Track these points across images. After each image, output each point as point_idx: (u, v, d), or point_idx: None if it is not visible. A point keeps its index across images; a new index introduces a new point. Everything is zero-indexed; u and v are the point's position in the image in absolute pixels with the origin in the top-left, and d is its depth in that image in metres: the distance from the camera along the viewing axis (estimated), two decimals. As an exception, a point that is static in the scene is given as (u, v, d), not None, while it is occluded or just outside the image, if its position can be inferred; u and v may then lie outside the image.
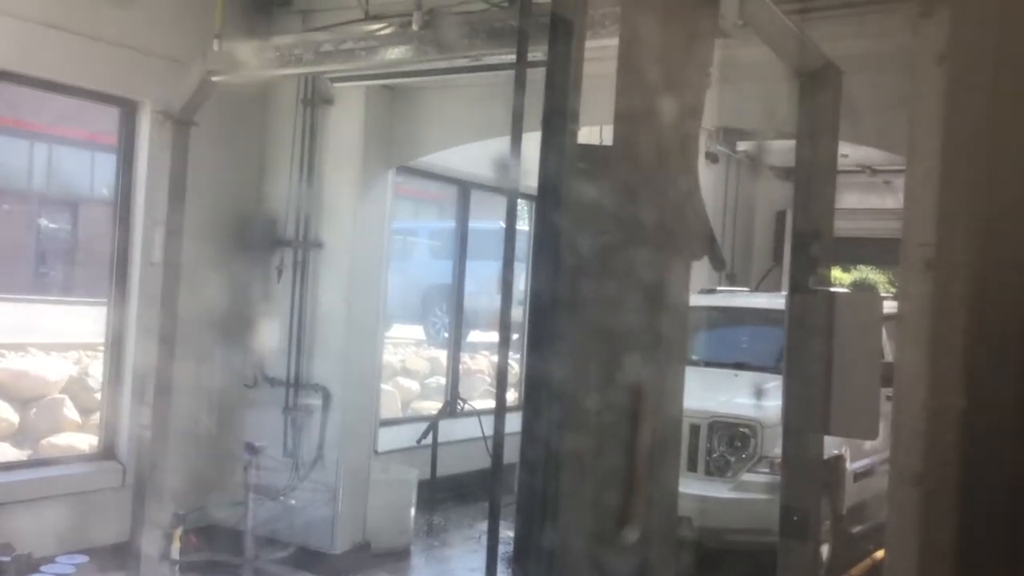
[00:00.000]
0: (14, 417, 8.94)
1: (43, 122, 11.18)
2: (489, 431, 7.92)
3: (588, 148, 2.42)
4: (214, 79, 6.07)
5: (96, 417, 7.86)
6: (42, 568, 6.12)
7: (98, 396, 7.81)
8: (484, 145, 7.57)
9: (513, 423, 2.76)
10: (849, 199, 11.33)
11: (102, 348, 7.49)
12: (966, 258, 1.04)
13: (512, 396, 9.66)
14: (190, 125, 6.27)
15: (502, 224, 3.33)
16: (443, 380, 10.85)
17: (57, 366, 9.59)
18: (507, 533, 2.84)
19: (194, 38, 6.52)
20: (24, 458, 8.26)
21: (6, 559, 5.94)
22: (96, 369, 8.59)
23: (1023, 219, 0.98)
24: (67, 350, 9.90)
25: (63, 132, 11.60)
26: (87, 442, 8.22)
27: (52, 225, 13.14)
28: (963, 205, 1.09)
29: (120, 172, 7.20)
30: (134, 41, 6.76)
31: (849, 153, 10.15)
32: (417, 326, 12.98)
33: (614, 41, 2.51)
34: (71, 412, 9.18)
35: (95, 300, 7.81)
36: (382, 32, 5.59)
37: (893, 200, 10.64)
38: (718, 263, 2.89)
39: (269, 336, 7.87)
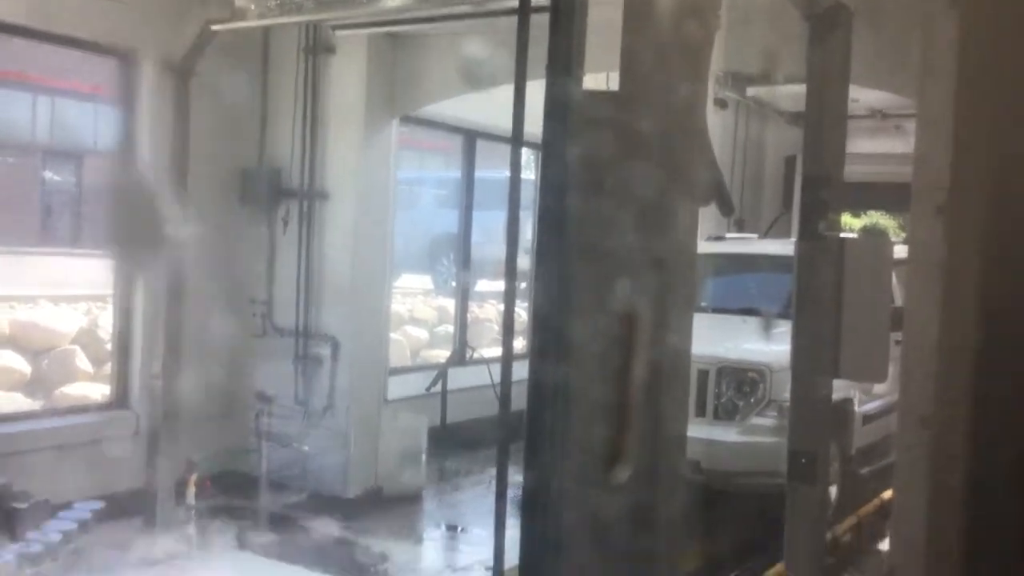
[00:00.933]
0: (27, 368, 9.03)
1: (46, 75, 11.11)
2: (498, 378, 7.96)
3: (594, 94, 2.39)
4: (214, 28, 6.02)
5: (108, 367, 7.93)
6: (59, 514, 6.23)
7: (109, 347, 7.86)
8: (490, 93, 7.49)
9: (521, 371, 2.77)
10: (859, 144, 11.21)
11: (111, 299, 7.53)
12: (977, 201, 1.03)
13: (520, 344, 9.70)
14: (191, 75, 6.23)
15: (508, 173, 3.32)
16: (451, 329, 10.88)
17: (67, 317, 9.65)
18: (517, 478, 2.87)
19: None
20: (38, 408, 8.36)
21: (24, 506, 6.04)
22: (106, 320, 8.64)
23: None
24: (77, 301, 9.95)
25: (66, 84, 11.53)
26: (100, 392, 8.30)
27: (57, 177, 13.13)
28: (973, 149, 1.08)
29: (123, 124, 7.15)
30: (133, -10, 6.67)
31: (859, 98, 10.02)
32: (425, 275, 12.99)
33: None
34: (83, 362, 9.26)
35: (102, 252, 7.82)
36: (384, -22, 5.51)
37: (903, 145, 10.53)
38: (726, 208, 2.87)
39: (277, 286, 7.89)
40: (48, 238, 12.61)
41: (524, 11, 2.66)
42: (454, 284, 10.96)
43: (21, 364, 9.01)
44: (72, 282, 10.20)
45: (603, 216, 2.40)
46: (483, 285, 11.47)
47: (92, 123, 12.23)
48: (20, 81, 10.87)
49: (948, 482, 1.05)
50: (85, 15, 6.51)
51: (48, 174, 12.97)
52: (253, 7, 6.05)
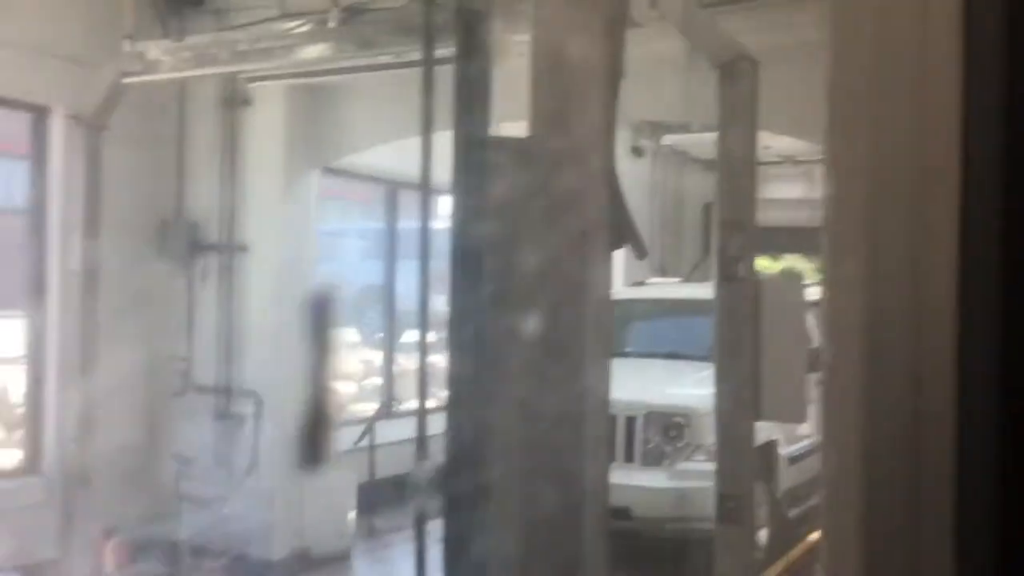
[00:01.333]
0: (-70, 436, 8.61)
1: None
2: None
3: (501, 141, 2.40)
4: (126, 81, 5.92)
5: (19, 433, 7.62)
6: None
7: (20, 411, 7.56)
8: (412, 143, 7.49)
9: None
10: (773, 190, 11.52)
11: (22, 361, 7.26)
12: (863, 249, 1.05)
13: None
14: (103, 129, 6.11)
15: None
16: (379, 381, 10.75)
17: (-25, 382, 9.26)
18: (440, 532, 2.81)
19: (105, 40, 6.35)
20: (-56, 478, 7.96)
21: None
22: (17, 383, 8.32)
23: (904, 214, 0.99)
24: (-16, 365, 9.56)
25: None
26: (11, 458, 7.95)
27: (-33, 236, 12.66)
28: (859, 189, 1.10)
29: (33, 179, 6.98)
30: (44, 45, 6.55)
31: (771, 145, 10.31)
32: (351, 328, 12.83)
33: (526, 36, 2.49)
34: (-8, 429, 8.87)
35: (12, 312, 7.55)
36: (299, 30, 5.51)
37: (814, 189, 10.85)
38: (639, 251, 2.89)
39: (196, 342, 7.71)
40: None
41: (428, 62, 2.67)
42: (380, 336, 10.86)
43: (-75, 431, 8.59)
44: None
45: (515, 262, 2.40)
46: (409, 336, 11.37)
47: (3, 180, 11.89)
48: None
49: (873, 521, 1.05)
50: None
51: (-42, 233, 12.55)
52: (167, 59, 5.98)
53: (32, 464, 7.04)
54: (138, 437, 7.37)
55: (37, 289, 6.97)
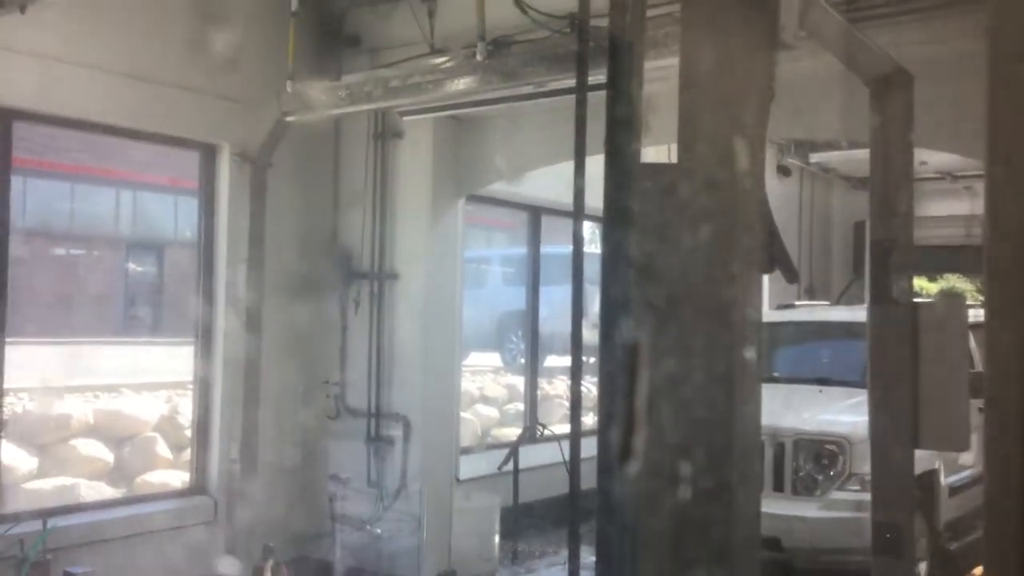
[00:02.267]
0: (109, 456, 9.23)
1: (128, 169, 11.60)
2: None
3: (652, 167, 2.42)
4: (288, 119, 6.25)
5: (187, 453, 8.07)
6: (140, 602, 6.28)
7: (188, 433, 8.01)
8: (554, 170, 7.60)
9: (592, 448, 2.75)
10: (930, 207, 11.03)
11: (191, 386, 7.70)
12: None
13: (590, 420, 9.61)
14: (267, 166, 6.45)
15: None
16: (521, 406, 10.84)
17: (148, 405, 9.88)
18: (590, 558, 2.83)
19: (268, 81, 6.72)
20: (120, 496, 8.51)
21: (106, 594, 6.12)
22: (186, 407, 8.83)
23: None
24: (157, 389, 10.19)
25: (147, 178, 12.02)
26: (179, 478, 8.42)
27: (139, 268, 13.59)
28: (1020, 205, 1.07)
29: (202, 214, 7.42)
30: (211, 86, 6.98)
31: (928, 160, 9.90)
32: (493, 353, 13.01)
33: (675, 60, 2.51)
34: (163, 449, 9.44)
35: (182, 340, 8.03)
36: (447, 65, 5.69)
37: (975, 206, 10.34)
38: (790, 275, 2.85)
39: (349, 368, 7.99)
40: (130, 328, 13.00)
41: (581, 89, 2.72)
42: (523, 361, 10.96)
43: (104, 452, 9.22)
44: (153, 370, 10.47)
45: (666, 287, 2.41)
46: (552, 361, 11.45)
47: (172, 215, 12.69)
48: (104, 176, 11.38)
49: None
50: (167, 111, 6.83)
51: (131, 265, 13.44)
52: (325, 98, 6.28)
53: (199, 484, 7.40)
54: (296, 459, 7.69)
55: (206, 318, 7.39)
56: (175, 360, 9.20)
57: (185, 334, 7.78)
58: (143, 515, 7.05)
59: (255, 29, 7.23)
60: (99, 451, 9.19)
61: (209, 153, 7.34)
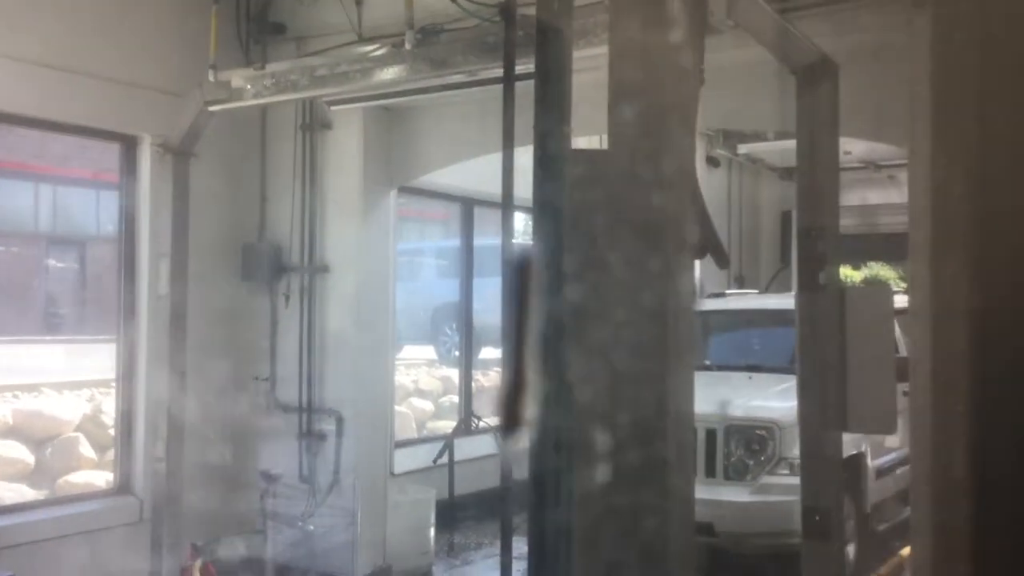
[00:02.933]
0: (30, 458, 8.94)
1: (47, 163, 11.23)
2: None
3: (582, 153, 2.40)
4: (211, 109, 6.10)
5: (111, 453, 7.86)
6: (63, 607, 6.11)
7: (112, 432, 7.81)
8: (485, 161, 7.57)
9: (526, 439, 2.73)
10: (854, 196, 11.28)
11: (114, 384, 7.50)
12: (966, 248, 1.01)
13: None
14: (190, 156, 6.29)
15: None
16: (456, 399, 10.80)
17: (70, 405, 9.60)
18: (524, 548, 2.81)
19: (190, 70, 6.55)
20: (41, 497, 8.26)
21: (27, 599, 5.92)
22: (109, 406, 8.59)
23: (1014, 201, 0.95)
24: (80, 388, 9.90)
25: (67, 172, 11.65)
26: (104, 479, 8.21)
27: (60, 265, 13.18)
28: (960, 195, 1.07)
29: (123, 208, 7.22)
30: (130, 76, 6.78)
31: (852, 150, 10.11)
32: (428, 346, 12.95)
33: (604, 50, 2.49)
34: (87, 450, 9.18)
35: (105, 337, 7.81)
36: (376, 53, 5.61)
37: (898, 195, 10.60)
38: (722, 261, 2.86)
39: (280, 363, 7.86)
40: (51, 325, 12.60)
41: (510, 78, 2.69)
42: (457, 353, 10.92)
43: (24, 454, 8.92)
44: (75, 368, 10.17)
45: (598, 275, 2.39)
46: (486, 353, 11.43)
47: (94, 209, 12.32)
48: (21, 171, 11.00)
49: (960, 534, 1.01)
50: (86, 103, 6.62)
51: (51, 262, 13.02)
52: (249, 87, 6.14)
53: (123, 485, 7.23)
54: (224, 456, 7.54)
55: (128, 314, 7.19)
56: (98, 358, 8.95)
57: (108, 331, 7.57)
58: (66, 517, 6.86)
59: (176, 16, 7.05)
60: (19, 452, 8.89)
61: (129, 144, 7.14)
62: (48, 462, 9.02)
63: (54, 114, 6.58)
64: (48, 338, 11.82)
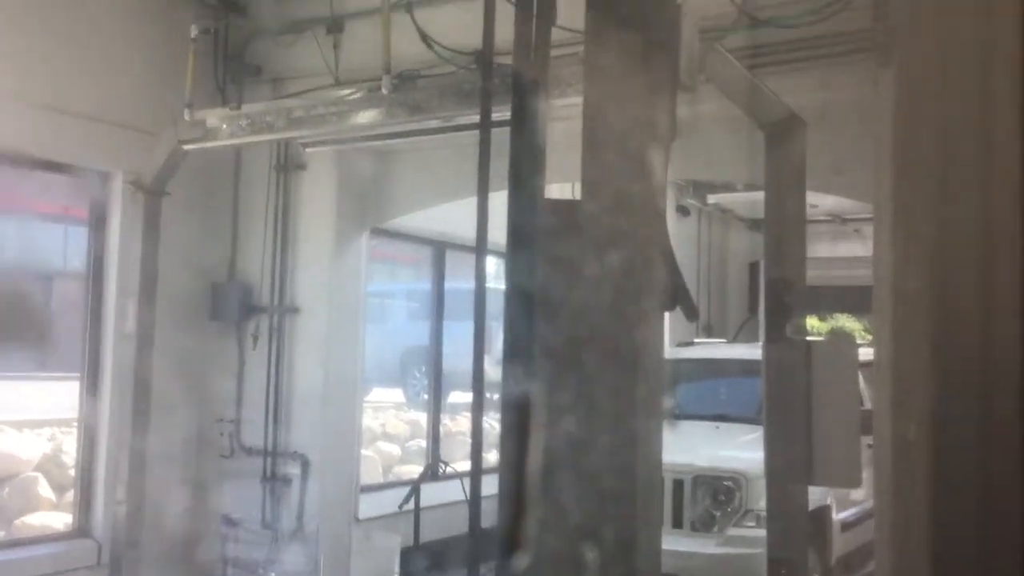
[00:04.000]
0: (-14, 497, 8.73)
1: (13, 197, 11.12)
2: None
3: (556, 203, 2.42)
4: (185, 148, 6.10)
5: (71, 494, 7.69)
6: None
7: (73, 473, 7.65)
8: (458, 205, 7.60)
9: (494, 485, 2.72)
10: (821, 248, 11.44)
11: (76, 424, 7.37)
12: (929, 305, 1.04)
13: (492, 457, 9.55)
14: (162, 195, 6.27)
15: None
16: (424, 443, 10.72)
17: (30, 443, 9.39)
18: (490, 598, 2.78)
19: (165, 108, 6.54)
20: (-4, 539, 8.05)
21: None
22: (70, 445, 8.43)
23: (973, 266, 0.98)
24: (40, 427, 9.70)
25: (34, 207, 11.54)
26: (62, 520, 8.02)
27: (25, 300, 12.97)
28: (922, 251, 1.09)
29: (92, 244, 7.16)
30: (104, 113, 6.77)
31: (818, 203, 10.27)
32: (396, 388, 12.86)
33: (578, 99, 2.53)
34: (45, 490, 8.97)
35: (68, 375, 7.69)
36: (352, 97, 5.65)
37: (863, 248, 10.76)
38: (691, 313, 2.88)
39: (246, 405, 7.77)
40: (14, 361, 12.39)
41: (485, 125, 2.72)
42: (426, 397, 10.86)
43: (-21, 492, 8.72)
44: (36, 407, 9.97)
45: (568, 323, 2.40)
46: (455, 397, 11.37)
47: (62, 245, 12.20)
48: (-11, 205, 10.88)
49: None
50: (58, 138, 6.59)
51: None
52: (224, 127, 6.15)
53: (82, 527, 7.09)
54: (186, 500, 7.41)
55: (93, 352, 7.10)
56: (60, 396, 8.79)
57: (71, 369, 7.46)
58: (22, 560, 6.70)
59: (152, 54, 7.06)
60: (-27, 492, 8.68)
61: (101, 181, 7.10)
62: (5, 502, 8.81)
63: (25, 148, 6.54)
64: (9, 374, 11.60)
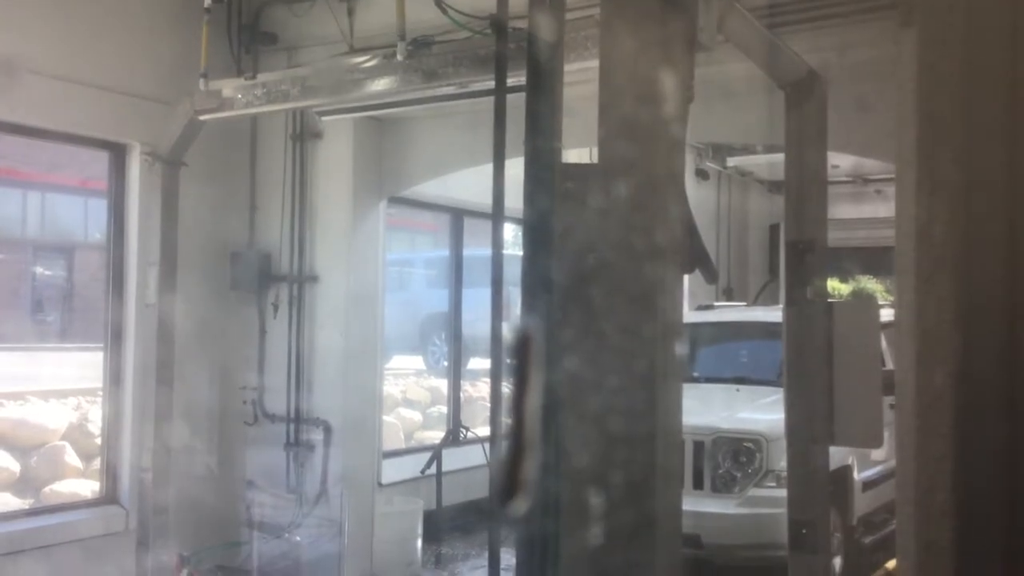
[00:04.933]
0: (15, 466, 8.87)
1: (35, 170, 11.21)
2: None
3: (573, 167, 2.41)
4: (202, 118, 6.10)
5: (97, 462, 7.81)
6: (48, 617, 6.06)
7: (99, 441, 7.76)
8: (476, 172, 7.58)
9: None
10: (842, 209, 11.35)
11: (101, 393, 7.45)
12: (954, 261, 1.03)
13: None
14: (179, 165, 6.29)
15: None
16: (445, 409, 10.78)
17: (56, 413, 9.54)
18: (512, 560, 2.81)
19: (181, 79, 6.54)
20: (26, 507, 8.20)
21: (11, 609, 5.88)
22: (96, 414, 8.55)
23: (1000, 220, 0.97)
24: (66, 396, 9.84)
25: (55, 179, 11.63)
26: (89, 488, 8.16)
27: (47, 272, 13.14)
28: (945, 211, 1.08)
29: (112, 215, 7.19)
30: (121, 84, 6.77)
31: (840, 164, 10.17)
32: (416, 356, 12.94)
33: (595, 63, 2.51)
34: (72, 459, 9.12)
35: (93, 345, 7.77)
36: (367, 64, 5.62)
37: (886, 209, 10.67)
38: (710, 275, 2.88)
39: (268, 372, 7.84)
40: (38, 333, 12.54)
41: (501, 90, 2.70)
42: (446, 363, 10.91)
43: (9, 462, 8.86)
44: (62, 377, 10.10)
45: (587, 287, 2.40)
46: (475, 363, 11.42)
47: (82, 216, 12.29)
48: (9, 177, 10.96)
49: (942, 548, 1.02)
50: (76, 110, 6.60)
51: (39, 269, 12.97)
52: (240, 96, 6.15)
53: (110, 494, 7.18)
54: (211, 466, 7.50)
55: (116, 322, 7.16)
56: (85, 366, 8.90)
57: (95, 339, 7.53)
58: (51, 527, 6.81)
59: (167, 25, 7.04)
60: (4, 461, 8.82)
61: (119, 153, 7.12)
62: (33, 471, 8.96)
63: (43, 121, 6.56)
64: (35, 345, 11.76)
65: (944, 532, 0.95)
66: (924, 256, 1.08)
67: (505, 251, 3.10)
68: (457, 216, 10.22)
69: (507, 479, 2.34)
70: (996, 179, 1.00)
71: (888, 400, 4.37)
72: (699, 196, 10.86)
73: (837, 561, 7.39)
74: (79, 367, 9.66)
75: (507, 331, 3.10)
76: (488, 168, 3.31)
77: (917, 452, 1.05)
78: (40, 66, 6.32)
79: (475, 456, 8.87)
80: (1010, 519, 0.94)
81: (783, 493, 4.66)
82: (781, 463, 6.54)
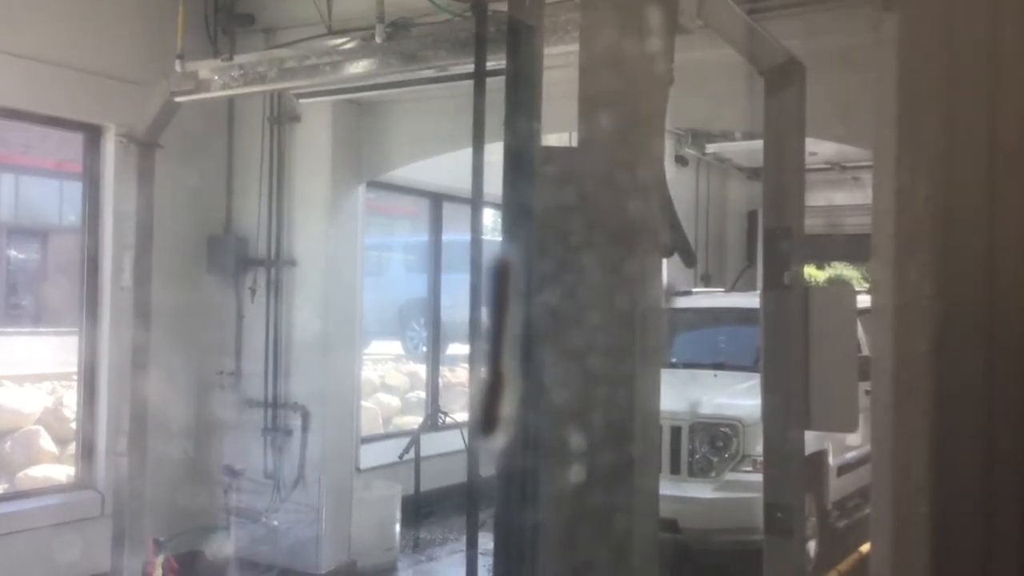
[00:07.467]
0: (-12, 451, 8.81)
1: (8, 152, 11.05)
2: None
3: (552, 151, 2.40)
4: (177, 100, 6.03)
5: (72, 447, 7.75)
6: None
7: (74, 426, 7.70)
8: (455, 156, 7.55)
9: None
10: (820, 196, 11.41)
11: (76, 377, 7.39)
12: (931, 237, 1.03)
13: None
14: (155, 147, 6.21)
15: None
16: (423, 394, 10.78)
17: (31, 397, 9.45)
18: (490, 545, 2.81)
19: (157, 60, 6.46)
20: (0, 492, 8.13)
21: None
22: (71, 399, 8.48)
23: (978, 195, 0.97)
24: (41, 381, 9.76)
25: (29, 161, 11.48)
26: (64, 472, 8.10)
27: (21, 256, 12.99)
28: (923, 197, 1.08)
29: (86, 198, 7.12)
30: (95, 65, 6.69)
31: (818, 151, 10.22)
32: (395, 341, 12.91)
33: (575, 47, 2.50)
34: (47, 443, 9.05)
35: (67, 329, 7.70)
36: (346, 46, 5.57)
37: (863, 196, 10.72)
38: (689, 259, 2.88)
39: (245, 357, 7.80)
40: (11, 317, 12.41)
41: (480, 73, 2.69)
42: (425, 349, 10.90)
43: (-17, 446, 8.79)
44: (36, 361, 10.01)
45: (565, 272, 2.40)
46: (454, 348, 11.42)
47: (57, 199, 12.15)
48: (-18, 159, 10.81)
49: (917, 534, 1.02)
50: (50, 91, 6.52)
51: (12, 252, 12.82)
52: (216, 78, 6.07)
53: (85, 479, 7.14)
54: (188, 451, 7.47)
55: (91, 306, 7.09)
56: (60, 351, 8.82)
57: (70, 323, 7.47)
58: (25, 511, 6.77)
59: (143, 4, 6.96)
60: (-24, 446, 8.76)
61: (94, 134, 7.04)
62: (8, 456, 8.89)
63: (16, 102, 6.47)
64: (8, 329, 11.64)
65: (920, 507, 0.96)
66: (902, 231, 1.08)
67: (485, 236, 3.09)
68: (436, 201, 10.19)
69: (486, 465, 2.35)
70: (976, 157, 1.00)
71: (864, 386, 4.41)
72: (679, 182, 10.88)
73: (812, 545, 7.47)
74: (54, 351, 9.57)
75: (485, 317, 3.09)
76: (468, 153, 3.30)
77: (894, 428, 1.05)
78: (12, 46, 6.23)
79: (453, 441, 8.88)
80: (987, 495, 0.94)
81: (759, 478, 4.69)
82: (757, 448, 6.59)
